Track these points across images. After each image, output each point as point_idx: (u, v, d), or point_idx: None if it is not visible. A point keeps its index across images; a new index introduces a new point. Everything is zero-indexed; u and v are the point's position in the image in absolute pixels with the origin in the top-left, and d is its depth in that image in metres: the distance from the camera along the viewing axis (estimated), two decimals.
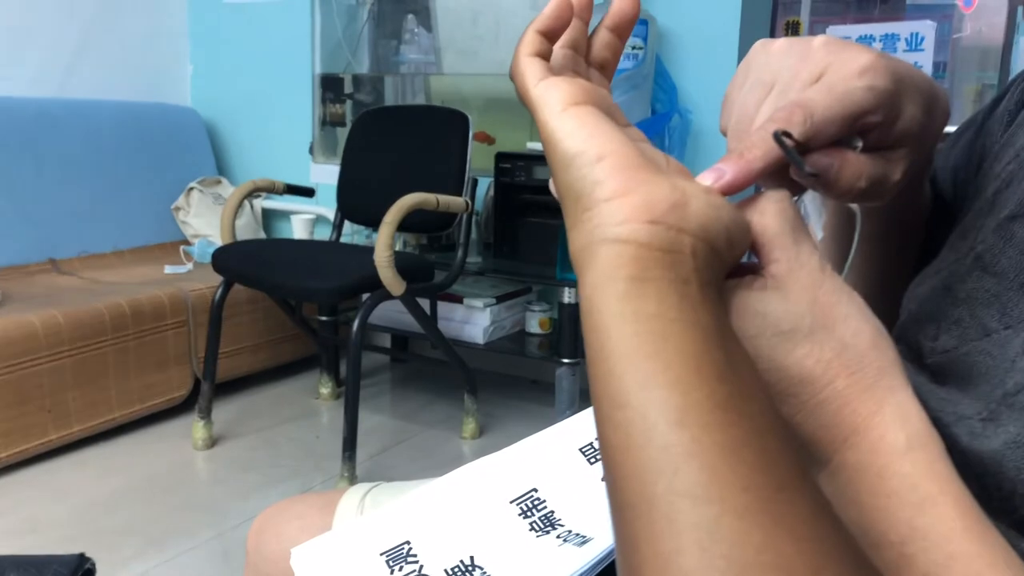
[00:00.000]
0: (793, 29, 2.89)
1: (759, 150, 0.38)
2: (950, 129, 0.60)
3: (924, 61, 2.35)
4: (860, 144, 0.41)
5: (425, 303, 2.34)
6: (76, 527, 1.80)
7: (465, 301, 2.42)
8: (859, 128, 0.40)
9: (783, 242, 0.38)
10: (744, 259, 0.39)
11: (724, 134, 0.45)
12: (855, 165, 0.40)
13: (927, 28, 2.32)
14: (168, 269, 2.66)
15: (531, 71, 0.39)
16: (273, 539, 0.74)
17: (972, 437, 0.41)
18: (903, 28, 2.38)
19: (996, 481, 0.39)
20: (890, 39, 2.42)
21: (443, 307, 2.44)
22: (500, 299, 2.45)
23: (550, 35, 0.40)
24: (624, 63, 2.26)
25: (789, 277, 0.37)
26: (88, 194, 2.75)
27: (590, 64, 0.43)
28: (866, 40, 2.48)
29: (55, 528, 1.79)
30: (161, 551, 1.72)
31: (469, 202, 2.18)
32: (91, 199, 2.75)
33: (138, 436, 2.27)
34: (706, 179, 0.38)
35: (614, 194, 0.33)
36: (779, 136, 0.38)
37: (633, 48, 2.26)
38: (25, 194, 2.58)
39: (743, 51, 2.50)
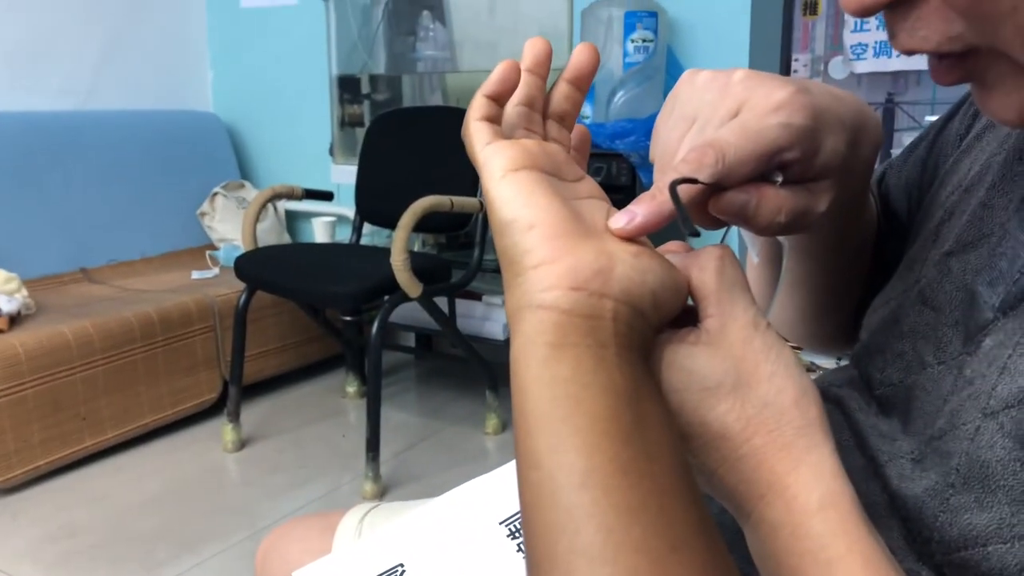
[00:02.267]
0: (811, 8, 2.86)
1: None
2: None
3: None
4: (780, 179, 0.41)
5: (444, 301, 2.37)
6: (111, 532, 1.86)
7: (484, 298, 2.45)
8: (776, 164, 0.41)
9: (719, 298, 0.39)
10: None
11: (652, 164, 0.46)
12: (774, 200, 0.41)
13: None
14: (195, 274, 2.72)
15: (478, 135, 0.40)
16: (278, 561, 0.78)
17: (901, 479, 0.42)
18: None
19: (917, 526, 0.40)
20: None
21: (463, 304, 2.47)
22: None
23: (498, 98, 0.41)
24: (635, 56, 2.26)
25: (721, 333, 0.38)
26: (116, 203, 2.81)
27: (549, 117, 0.44)
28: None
29: (91, 534, 1.85)
30: (194, 554, 1.78)
31: (483, 202, 2.19)
32: (119, 207, 2.82)
33: (170, 440, 2.33)
34: (619, 220, 0.38)
35: (541, 261, 0.35)
36: (673, 189, 0.38)
37: (644, 41, 2.26)
38: (55, 205, 2.65)
39: (755, 38, 2.48)
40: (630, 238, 0.38)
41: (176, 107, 3.19)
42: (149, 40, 3.13)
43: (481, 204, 2.18)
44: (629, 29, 2.23)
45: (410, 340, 2.98)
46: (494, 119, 0.41)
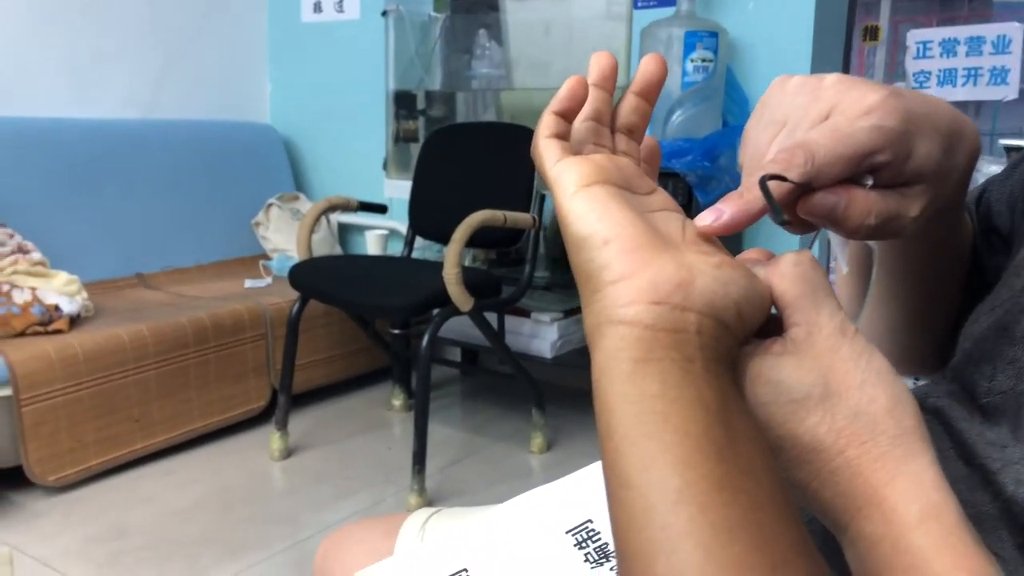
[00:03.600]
0: (871, 34, 2.82)
1: (758, 190, 0.39)
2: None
3: (1012, 65, 2.26)
4: (870, 181, 0.41)
5: (493, 317, 2.36)
6: (158, 535, 1.88)
7: (533, 315, 2.43)
8: (867, 167, 0.40)
9: (802, 305, 0.38)
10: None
11: (741, 170, 0.46)
12: (863, 203, 0.40)
13: (1015, 30, 2.24)
14: (248, 283, 2.75)
15: (548, 153, 0.40)
16: (338, 563, 0.77)
17: (1018, 484, 0.41)
18: (989, 30, 2.30)
19: None
20: (975, 42, 2.34)
21: (511, 321, 2.46)
22: (567, 313, 2.45)
23: (566, 115, 0.42)
24: (695, 75, 2.25)
25: (806, 342, 0.37)
26: (173, 211, 2.86)
27: (617, 130, 0.44)
28: (950, 44, 2.40)
29: (139, 535, 1.87)
30: (237, 561, 1.78)
31: (536, 218, 2.19)
32: (175, 215, 2.87)
33: (218, 446, 2.35)
34: (706, 218, 0.39)
35: (620, 276, 0.34)
36: (764, 183, 0.38)
37: (704, 60, 2.25)
38: (114, 212, 2.70)
39: (817, 59, 2.45)
40: (717, 235, 0.39)
41: (234, 118, 3.25)
42: (210, 52, 3.20)
43: (534, 219, 2.17)
44: (689, 48, 2.22)
45: (456, 355, 2.98)
46: (563, 136, 0.41)
